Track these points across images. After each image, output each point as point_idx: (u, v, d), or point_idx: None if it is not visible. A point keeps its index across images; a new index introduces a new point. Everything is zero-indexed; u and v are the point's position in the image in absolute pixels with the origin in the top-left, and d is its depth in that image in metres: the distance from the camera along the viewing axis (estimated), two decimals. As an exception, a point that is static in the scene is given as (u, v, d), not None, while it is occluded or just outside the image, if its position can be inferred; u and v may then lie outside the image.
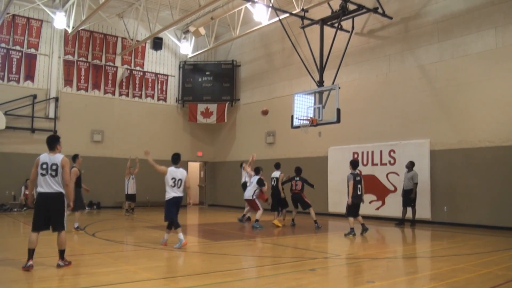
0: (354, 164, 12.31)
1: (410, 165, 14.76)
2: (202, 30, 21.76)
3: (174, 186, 9.56)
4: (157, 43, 22.38)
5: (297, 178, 14.27)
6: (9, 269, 7.06)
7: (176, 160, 9.97)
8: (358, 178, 11.99)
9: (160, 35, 21.81)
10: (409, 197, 14.50)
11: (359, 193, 11.94)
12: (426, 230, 13.81)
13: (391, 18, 16.47)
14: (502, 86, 13.75)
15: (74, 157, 11.86)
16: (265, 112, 16.13)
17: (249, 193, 14.34)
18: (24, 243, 10.17)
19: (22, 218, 15.87)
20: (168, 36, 23.80)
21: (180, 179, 9.66)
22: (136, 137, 22.82)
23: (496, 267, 7.54)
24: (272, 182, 14.86)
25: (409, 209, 14.70)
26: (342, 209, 17.06)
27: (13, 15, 19.93)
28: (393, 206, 15.78)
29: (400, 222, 14.67)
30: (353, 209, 12.04)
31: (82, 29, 21.05)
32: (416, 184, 14.51)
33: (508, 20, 13.77)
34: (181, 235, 9.43)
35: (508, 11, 13.79)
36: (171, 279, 6.40)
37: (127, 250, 9.34)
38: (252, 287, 6.18)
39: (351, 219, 11.95)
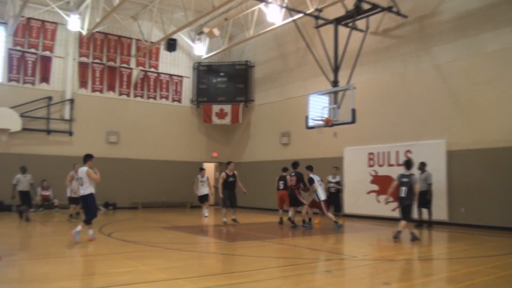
0: (405, 163, 11.48)
1: (422, 166, 14.62)
2: (216, 31, 21.80)
3: None
4: (171, 45, 22.46)
5: (293, 174, 13.98)
6: (26, 269, 7.13)
7: None
8: (405, 180, 11.05)
9: (174, 37, 21.88)
10: (424, 198, 14.35)
11: (402, 195, 10.99)
12: (442, 231, 13.67)
13: (406, 17, 16.34)
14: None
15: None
16: None
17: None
18: (40, 242, 10.29)
19: (39, 218, 16.02)
20: (182, 38, 23.88)
21: None
22: (151, 138, 22.96)
23: (515, 269, 7.44)
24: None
25: (425, 211, 14.55)
26: (358, 210, 17.09)
27: (28, 18, 20.15)
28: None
29: (418, 224, 14.50)
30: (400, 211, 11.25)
31: (96, 31, 21.23)
32: (431, 184, 14.37)
33: (525, 18, 13.59)
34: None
35: (525, 9, 13.61)
36: (187, 280, 6.40)
37: (143, 251, 9.37)
38: (268, 288, 6.17)
39: (402, 222, 10.99)
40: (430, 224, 14.42)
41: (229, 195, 14.64)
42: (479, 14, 14.67)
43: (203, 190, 17.21)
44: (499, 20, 14.14)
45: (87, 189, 10.19)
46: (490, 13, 14.38)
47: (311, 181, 13.70)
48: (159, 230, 13.14)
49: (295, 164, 14.39)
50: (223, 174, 14.79)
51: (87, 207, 10.42)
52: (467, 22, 14.95)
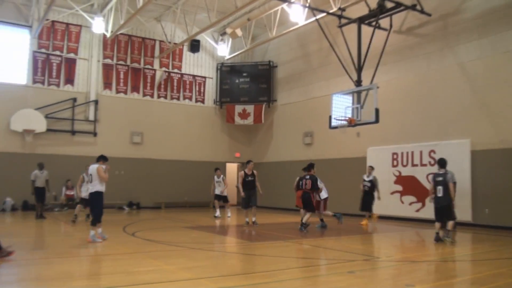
0: (439, 162, 11.27)
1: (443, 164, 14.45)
2: (239, 32, 21.87)
3: None
4: (195, 46, 22.61)
5: (307, 177, 13.19)
6: (47, 267, 7.27)
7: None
8: (439, 179, 10.87)
9: (197, 38, 22.03)
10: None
11: (439, 195, 10.81)
12: (466, 232, 13.48)
13: (429, 15, 16.15)
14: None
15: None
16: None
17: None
18: (64, 241, 10.46)
19: (63, 218, 16.29)
20: (205, 38, 24.02)
21: None
22: (175, 138, 23.15)
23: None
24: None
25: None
26: (382, 211, 16.93)
27: (53, 21, 20.48)
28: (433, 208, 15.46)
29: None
30: (435, 213, 11.04)
31: (120, 33, 21.49)
32: (455, 183, 14.17)
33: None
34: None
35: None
36: (210, 279, 6.45)
37: (166, 250, 9.46)
38: (289, 289, 6.19)
39: (437, 224, 10.89)
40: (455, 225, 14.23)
41: (248, 194, 14.42)
42: (503, 11, 14.44)
43: (219, 190, 17.20)
44: (524, 18, 13.90)
45: (95, 186, 10.29)
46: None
47: (317, 180, 13.32)
48: (182, 230, 13.25)
49: (310, 166, 13.54)
50: (242, 173, 14.69)
51: (92, 205, 10.61)
52: (491, 20, 14.73)
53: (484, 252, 9.88)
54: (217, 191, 17.25)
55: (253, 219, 14.51)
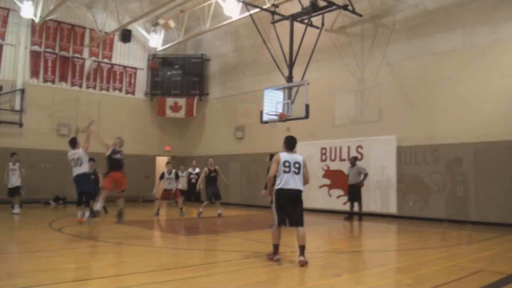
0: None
1: (354, 160, 15.15)
2: (171, 23, 21.52)
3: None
4: (126, 35, 22.01)
5: None
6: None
7: None
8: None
9: (129, 27, 21.47)
10: (357, 192, 14.90)
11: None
12: (392, 224, 14.05)
13: (360, 15, 16.60)
14: (468, 85, 14.08)
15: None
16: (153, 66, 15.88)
17: None
18: None
19: None
20: (137, 28, 23.45)
21: None
22: (103, 131, 22.26)
23: (461, 260, 7.72)
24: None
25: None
26: (310, 204, 17.29)
27: (-23, 4, 19.34)
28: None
29: (349, 216, 14.94)
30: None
31: (49, 19, 20.57)
32: (367, 174, 14.85)
33: (476, 20, 14.09)
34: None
35: (476, 12, 14.10)
36: (138, 275, 6.33)
37: (94, 246, 9.20)
38: (221, 281, 6.18)
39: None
40: (361, 216, 14.89)
41: (212, 190, 14.98)
42: (432, 15, 15.11)
43: (170, 186, 16.31)
44: (451, 22, 14.63)
45: (84, 167, 11.05)
46: (443, 15, 14.85)
47: None
48: (111, 225, 12.92)
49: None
50: (206, 169, 15.02)
51: (85, 186, 10.93)
52: (420, 23, 15.39)
53: (409, 242, 10.30)
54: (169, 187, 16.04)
55: (218, 211, 15.14)
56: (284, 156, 7.33)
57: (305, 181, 7.43)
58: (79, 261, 7.27)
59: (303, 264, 6.91)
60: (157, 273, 6.52)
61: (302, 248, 7.09)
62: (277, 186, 7.28)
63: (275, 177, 7.33)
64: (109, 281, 5.98)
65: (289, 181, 7.19)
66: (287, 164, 7.24)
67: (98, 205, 10.48)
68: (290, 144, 7.57)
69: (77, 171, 11.11)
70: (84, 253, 8.12)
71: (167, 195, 15.75)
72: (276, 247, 7.22)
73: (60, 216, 15.29)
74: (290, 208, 7.23)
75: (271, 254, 7.23)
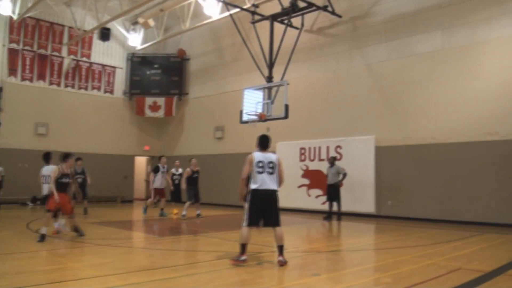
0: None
1: (333, 160, 15.23)
2: (151, 22, 21.40)
3: None
4: (105, 34, 21.80)
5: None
6: None
7: None
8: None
9: (108, 26, 21.28)
10: (336, 192, 14.98)
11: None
12: (370, 223, 14.18)
13: (340, 16, 16.74)
14: (447, 86, 14.31)
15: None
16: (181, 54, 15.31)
17: None
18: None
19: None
20: (116, 27, 23.26)
21: None
22: (82, 130, 22.24)
23: (439, 258, 7.80)
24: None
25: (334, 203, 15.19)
26: (289, 204, 17.37)
27: (-47, 0, 18.94)
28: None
29: (328, 216, 15.04)
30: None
31: (28, 17, 20.28)
32: (346, 174, 14.95)
33: (454, 23, 14.31)
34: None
35: (454, 14, 14.32)
36: (117, 276, 6.28)
37: (73, 247, 9.09)
38: (200, 282, 6.17)
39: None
40: (340, 216, 14.99)
41: (194, 190, 14.88)
42: (411, 16, 15.30)
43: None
44: (430, 23, 14.82)
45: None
46: (422, 17, 15.04)
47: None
48: (89, 226, 12.78)
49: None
50: (188, 170, 14.89)
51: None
52: (399, 24, 15.57)
53: (387, 242, 10.38)
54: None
55: (198, 212, 15.10)
56: (257, 156, 7.27)
57: (280, 181, 7.36)
58: (57, 263, 7.19)
59: (282, 264, 6.94)
60: (136, 274, 6.48)
61: (280, 248, 7.11)
62: (252, 187, 7.19)
63: (248, 178, 7.26)
64: (87, 283, 5.92)
65: (264, 182, 7.13)
66: (260, 164, 7.18)
67: (43, 229, 9.78)
68: (263, 143, 7.49)
69: (46, 190, 10.41)
70: (62, 255, 8.04)
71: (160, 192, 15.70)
72: (243, 247, 7.05)
73: (38, 217, 15.02)
74: (265, 209, 7.17)
75: (237, 255, 7.03)
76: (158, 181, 15.61)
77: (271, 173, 7.21)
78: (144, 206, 15.90)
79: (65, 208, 9.86)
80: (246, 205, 7.28)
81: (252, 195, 7.19)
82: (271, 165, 7.24)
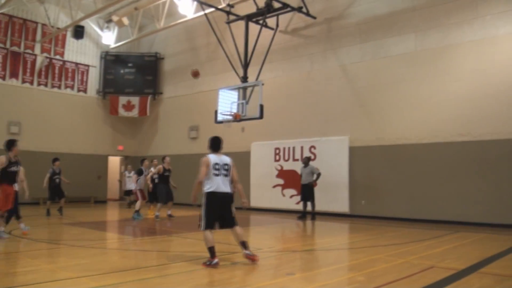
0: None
1: (307, 160, 15.38)
2: (125, 20, 21.24)
3: None
4: (79, 32, 21.50)
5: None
6: None
7: None
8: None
9: (81, 23, 21.03)
10: (310, 191, 15.11)
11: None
12: (344, 223, 14.32)
13: (315, 18, 16.87)
14: (420, 87, 14.53)
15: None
16: (195, 74, 14.82)
17: None
18: None
19: None
20: (90, 25, 23.01)
21: None
22: (55, 129, 21.93)
23: (412, 257, 7.91)
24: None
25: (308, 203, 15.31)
26: (264, 204, 17.47)
27: None
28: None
29: (302, 215, 15.17)
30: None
31: (1, 13, 19.93)
32: (320, 174, 15.09)
33: (427, 25, 14.53)
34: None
35: (428, 17, 14.55)
36: (91, 277, 6.23)
37: (46, 248, 8.98)
38: (174, 282, 6.17)
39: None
40: (314, 216, 15.13)
41: (166, 189, 14.62)
42: (385, 19, 15.50)
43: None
44: (403, 26, 15.03)
45: None
46: (396, 19, 15.24)
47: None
48: (62, 227, 12.67)
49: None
50: (160, 167, 14.68)
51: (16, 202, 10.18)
52: (374, 26, 15.76)
53: (361, 241, 10.50)
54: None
55: (168, 212, 14.89)
56: (213, 158, 7.24)
57: (234, 182, 7.41)
58: (30, 265, 7.09)
59: (251, 256, 6.99)
60: (110, 275, 6.44)
61: (244, 244, 7.14)
62: (207, 190, 7.16)
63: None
64: (60, 285, 5.86)
65: (220, 184, 7.15)
66: (217, 166, 7.19)
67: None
68: (216, 144, 7.46)
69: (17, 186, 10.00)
70: (35, 256, 7.92)
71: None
72: (211, 250, 6.97)
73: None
74: (221, 211, 7.18)
75: (209, 259, 6.96)
76: (142, 184, 15.53)
77: (226, 175, 7.25)
78: (134, 212, 14.90)
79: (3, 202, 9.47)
80: (202, 208, 7.23)
81: (208, 198, 7.16)
82: (226, 167, 7.27)
